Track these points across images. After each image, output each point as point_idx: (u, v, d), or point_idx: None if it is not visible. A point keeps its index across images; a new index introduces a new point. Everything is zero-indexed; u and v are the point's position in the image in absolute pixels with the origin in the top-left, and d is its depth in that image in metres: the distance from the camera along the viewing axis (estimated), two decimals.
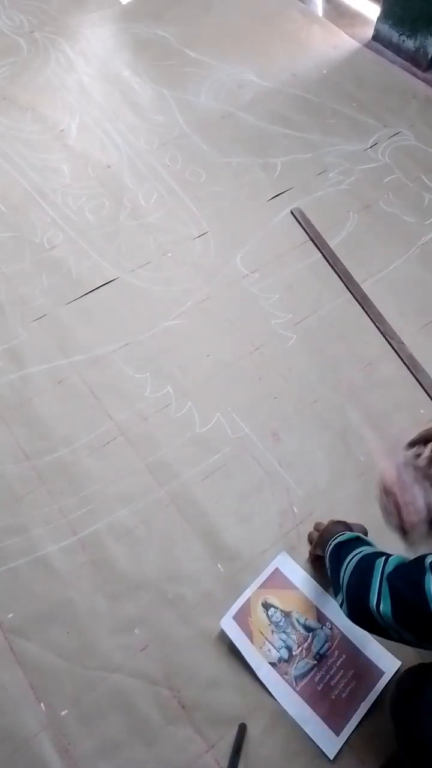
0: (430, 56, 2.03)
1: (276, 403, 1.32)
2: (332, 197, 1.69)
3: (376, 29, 2.14)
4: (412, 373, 1.32)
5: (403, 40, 2.06)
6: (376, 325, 1.39)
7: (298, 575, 1.09)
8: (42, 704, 0.99)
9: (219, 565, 1.12)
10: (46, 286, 1.48)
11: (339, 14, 2.27)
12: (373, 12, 2.20)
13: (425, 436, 1.00)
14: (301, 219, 1.52)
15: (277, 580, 1.09)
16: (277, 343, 1.41)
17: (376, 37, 2.15)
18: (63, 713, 0.99)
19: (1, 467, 1.22)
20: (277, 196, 1.69)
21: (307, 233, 1.49)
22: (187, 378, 1.35)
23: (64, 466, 1.22)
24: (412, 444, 1.01)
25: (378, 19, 2.11)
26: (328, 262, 1.49)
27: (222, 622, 1.03)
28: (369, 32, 2.17)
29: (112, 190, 1.68)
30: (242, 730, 0.97)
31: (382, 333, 1.37)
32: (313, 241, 1.51)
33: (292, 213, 1.55)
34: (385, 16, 2.08)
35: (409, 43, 2.05)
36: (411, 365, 1.32)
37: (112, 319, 1.43)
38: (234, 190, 1.69)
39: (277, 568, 1.10)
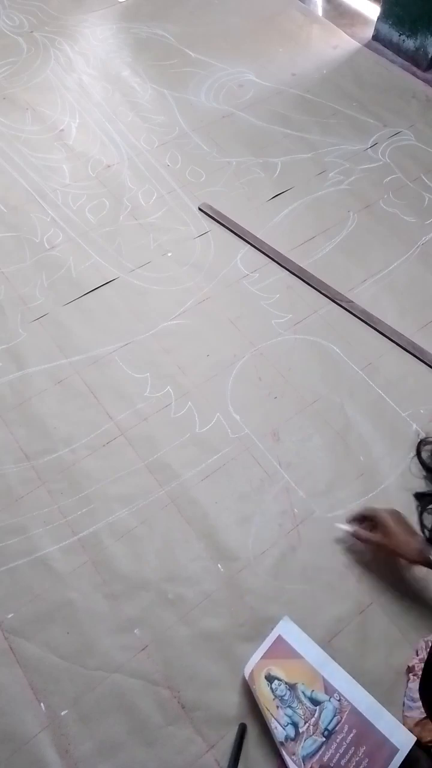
0: (430, 56, 2.03)
1: (276, 403, 1.32)
2: (332, 197, 1.69)
3: (376, 29, 2.14)
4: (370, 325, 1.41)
5: (403, 40, 2.06)
6: (317, 290, 1.47)
7: (303, 642, 1.00)
8: (42, 704, 0.99)
9: (219, 566, 1.12)
10: (46, 286, 1.48)
11: (339, 14, 2.27)
12: (373, 12, 2.20)
13: (363, 514, 1.11)
14: (211, 213, 1.55)
15: (280, 649, 0.99)
16: (277, 343, 1.41)
17: (376, 36, 2.15)
18: (63, 713, 0.99)
19: (1, 467, 1.22)
20: (277, 195, 1.69)
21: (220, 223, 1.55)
22: (187, 378, 1.35)
23: (64, 466, 1.22)
24: (353, 520, 1.12)
25: (378, 18, 2.11)
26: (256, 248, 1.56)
27: (245, 669, 0.97)
28: (369, 32, 2.17)
29: (112, 190, 1.68)
30: (242, 730, 0.97)
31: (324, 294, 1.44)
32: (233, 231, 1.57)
33: (199, 209, 1.58)
34: (385, 15, 2.08)
35: (409, 43, 2.05)
36: (366, 318, 1.41)
37: (112, 319, 1.43)
38: (234, 190, 1.69)
39: (279, 636, 1.01)
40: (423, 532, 0.70)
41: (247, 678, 0.97)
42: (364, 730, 0.93)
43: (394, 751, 0.91)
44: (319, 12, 2.28)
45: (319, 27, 2.20)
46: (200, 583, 1.10)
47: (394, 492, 1.21)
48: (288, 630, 1.02)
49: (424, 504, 0.68)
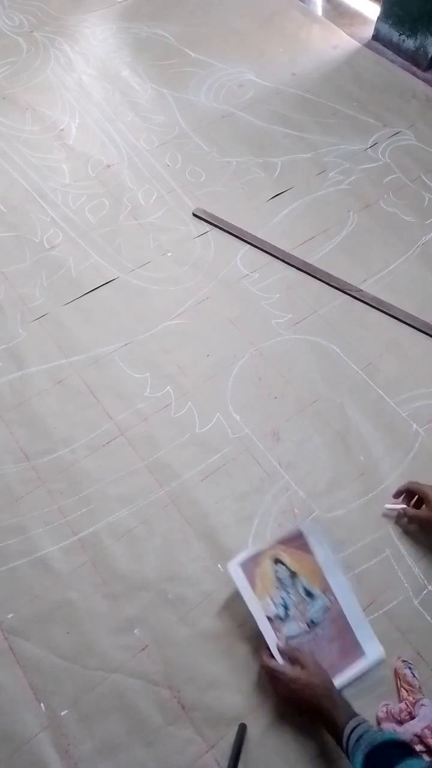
0: (430, 56, 2.03)
1: (276, 403, 1.32)
2: (332, 197, 1.69)
3: (376, 29, 2.13)
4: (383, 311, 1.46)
5: (403, 40, 2.06)
6: (325, 282, 1.51)
7: (320, 544, 1.08)
8: (42, 704, 0.99)
9: (219, 565, 1.12)
10: (46, 286, 1.48)
11: (339, 14, 2.27)
12: (373, 11, 2.20)
13: (409, 489, 1.15)
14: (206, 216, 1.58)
15: (296, 541, 1.08)
16: (277, 343, 1.41)
17: (376, 36, 2.15)
18: (63, 713, 0.99)
19: (1, 467, 1.22)
20: (277, 195, 1.69)
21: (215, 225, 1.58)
22: (187, 378, 1.34)
23: (64, 466, 1.22)
24: (398, 494, 1.17)
25: (378, 18, 2.11)
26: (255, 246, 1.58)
27: (229, 566, 1.04)
28: (369, 32, 2.17)
29: (112, 189, 1.68)
30: (242, 730, 0.97)
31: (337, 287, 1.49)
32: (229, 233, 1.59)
33: (194, 214, 1.61)
34: (385, 15, 2.08)
35: (409, 43, 2.05)
36: (377, 305, 1.46)
37: (112, 319, 1.43)
38: (234, 190, 1.69)
39: (301, 532, 1.08)
40: None
41: (234, 569, 1.03)
42: (344, 631, 1.03)
43: (362, 656, 1.01)
44: (319, 12, 2.28)
45: (319, 27, 2.20)
46: (200, 583, 1.10)
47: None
48: (311, 530, 1.08)
49: None
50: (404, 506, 1.15)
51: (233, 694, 1.00)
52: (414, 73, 2.05)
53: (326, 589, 1.05)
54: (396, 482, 1.22)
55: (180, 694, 1.00)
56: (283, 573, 1.05)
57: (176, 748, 0.96)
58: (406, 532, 1.16)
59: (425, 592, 1.10)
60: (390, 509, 1.17)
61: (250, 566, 1.04)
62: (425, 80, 2.03)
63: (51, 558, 1.12)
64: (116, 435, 1.26)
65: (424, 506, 1.11)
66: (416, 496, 1.14)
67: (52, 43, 2.07)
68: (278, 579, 1.04)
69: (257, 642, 1.04)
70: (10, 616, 1.06)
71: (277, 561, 1.06)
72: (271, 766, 0.95)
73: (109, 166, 1.73)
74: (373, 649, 1.02)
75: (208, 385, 1.34)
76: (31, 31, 2.11)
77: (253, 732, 0.97)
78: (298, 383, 1.35)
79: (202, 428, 1.28)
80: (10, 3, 2.21)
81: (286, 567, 1.06)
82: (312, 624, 1.03)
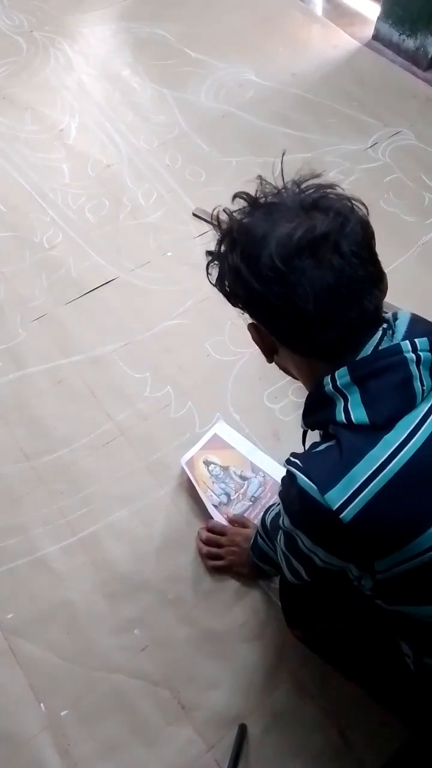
0: (430, 56, 2.03)
1: (276, 403, 1.32)
2: None
3: (376, 29, 2.13)
4: None
5: (403, 40, 2.06)
6: None
7: (234, 437, 1.23)
8: (42, 704, 0.99)
9: None
10: (45, 286, 1.48)
11: (339, 14, 2.27)
12: (373, 11, 2.20)
13: None
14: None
15: (215, 442, 1.22)
16: None
17: (376, 36, 2.14)
18: (63, 714, 0.99)
19: (1, 467, 1.22)
20: None
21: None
22: (187, 378, 1.34)
23: (63, 467, 1.22)
24: None
25: (378, 18, 2.11)
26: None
27: (182, 459, 1.19)
28: (369, 32, 2.17)
29: (112, 189, 1.68)
30: (242, 730, 0.97)
31: None
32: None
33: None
34: (385, 15, 2.08)
35: (409, 43, 2.05)
36: None
37: (112, 319, 1.43)
38: (234, 190, 1.68)
39: (215, 434, 1.23)
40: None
41: (184, 466, 1.18)
42: None
43: None
44: (319, 12, 2.28)
45: (319, 27, 2.20)
46: (200, 583, 1.10)
47: None
48: (222, 429, 1.24)
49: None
50: None
51: (233, 694, 1.00)
52: (414, 73, 2.05)
53: (255, 470, 1.20)
54: None
55: (180, 694, 1.00)
56: (216, 470, 1.19)
57: (176, 748, 0.96)
58: None
59: None
60: None
61: (190, 468, 1.18)
62: (425, 80, 2.03)
63: (51, 558, 1.12)
64: (116, 435, 1.26)
65: None
66: None
67: (51, 43, 2.07)
68: (213, 476, 1.18)
69: (257, 641, 1.04)
70: (10, 616, 1.06)
71: (208, 462, 1.20)
72: (271, 766, 0.95)
73: (109, 166, 1.73)
74: None
75: (208, 385, 1.33)
76: (31, 31, 2.11)
77: (253, 732, 0.97)
78: (298, 383, 1.34)
79: (202, 428, 1.27)
80: (10, 3, 2.21)
81: (217, 464, 1.20)
82: (254, 499, 1.17)
